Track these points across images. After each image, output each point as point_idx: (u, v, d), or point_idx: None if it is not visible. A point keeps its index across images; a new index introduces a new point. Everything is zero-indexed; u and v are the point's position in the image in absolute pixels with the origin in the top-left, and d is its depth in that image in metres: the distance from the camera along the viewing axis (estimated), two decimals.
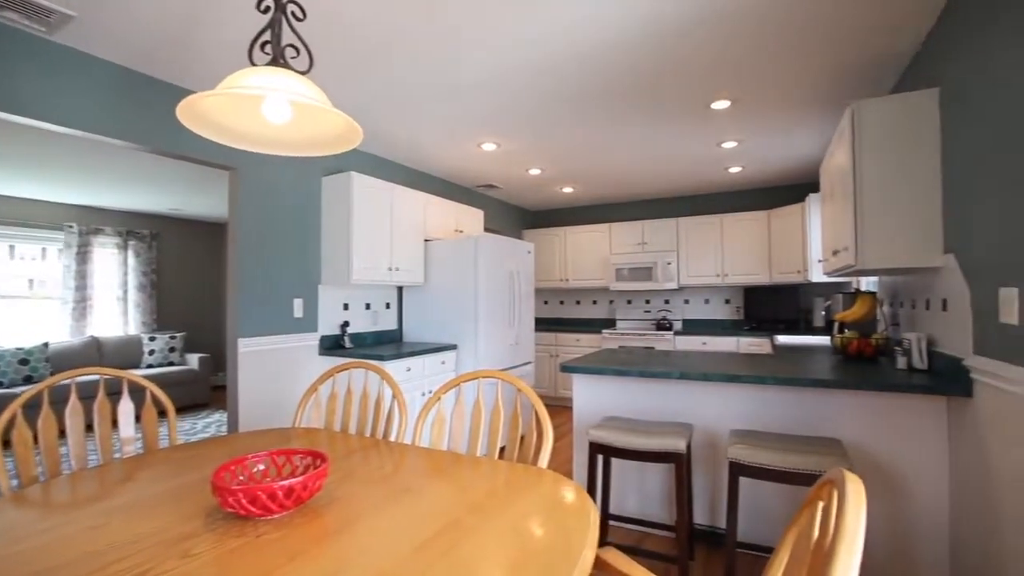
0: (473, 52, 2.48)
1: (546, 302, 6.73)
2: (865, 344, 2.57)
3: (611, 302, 6.29)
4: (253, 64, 1.25)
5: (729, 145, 3.97)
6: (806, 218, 4.54)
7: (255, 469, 1.36)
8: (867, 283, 4.04)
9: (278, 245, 3.39)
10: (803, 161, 4.47)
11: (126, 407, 1.84)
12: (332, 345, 3.73)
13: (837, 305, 3.03)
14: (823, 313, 3.89)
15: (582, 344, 5.73)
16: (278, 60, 1.26)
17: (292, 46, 1.36)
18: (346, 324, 3.77)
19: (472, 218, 4.83)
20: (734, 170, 4.75)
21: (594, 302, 6.40)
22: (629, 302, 6.16)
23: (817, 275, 4.39)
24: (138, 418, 5.24)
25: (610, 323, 6.27)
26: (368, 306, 4.08)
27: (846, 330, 2.90)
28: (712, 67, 2.65)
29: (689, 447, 2.39)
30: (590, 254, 6.03)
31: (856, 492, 0.71)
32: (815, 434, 2.33)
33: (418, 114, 3.29)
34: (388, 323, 4.29)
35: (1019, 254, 1.52)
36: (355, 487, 1.38)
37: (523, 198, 5.98)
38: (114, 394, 5.19)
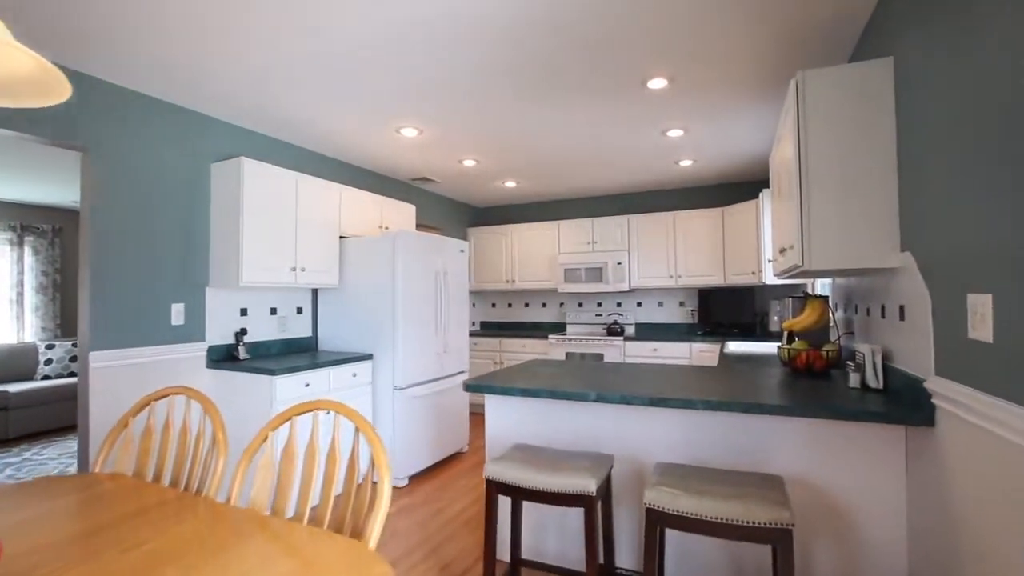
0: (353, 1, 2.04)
1: (493, 305, 6.31)
2: (815, 356, 2.23)
3: (561, 305, 5.92)
4: None
5: (675, 134, 3.62)
6: (760, 215, 4.24)
7: None
8: (822, 285, 3.76)
9: (151, 242, 2.88)
10: (756, 155, 4.16)
11: None
12: (223, 356, 3.23)
13: (786, 310, 2.71)
14: (777, 318, 3.58)
15: (527, 350, 5.33)
16: None
17: None
18: (242, 332, 3.27)
19: (401, 213, 4.38)
20: (685, 163, 4.43)
21: (543, 304, 6.02)
22: (580, 305, 5.79)
23: (771, 277, 4.09)
24: None
25: (560, 327, 5.89)
26: (274, 311, 3.59)
27: (795, 339, 2.57)
28: (643, 38, 2.28)
29: (609, 482, 2.00)
30: (538, 254, 5.64)
31: None
32: (755, 466, 1.97)
33: (316, 90, 2.83)
34: (300, 330, 3.80)
35: (993, 250, 1.17)
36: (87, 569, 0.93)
37: (465, 193, 5.55)
38: None
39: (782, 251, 2.36)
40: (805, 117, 1.94)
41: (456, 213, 5.93)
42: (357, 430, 1.32)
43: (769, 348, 3.71)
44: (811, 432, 1.89)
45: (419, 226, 5.21)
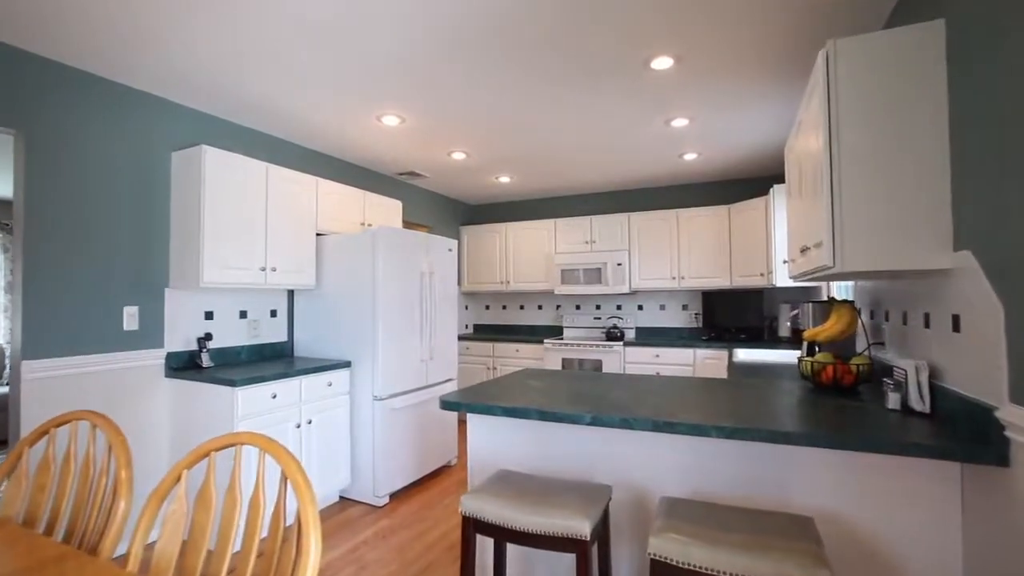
0: None
1: (487, 307, 6.02)
2: (844, 371, 1.94)
3: (558, 307, 5.63)
4: None
5: (680, 123, 3.34)
6: (770, 213, 3.95)
7: None
8: (838, 288, 3.47)
9: (99, 238, 2.59)
10: (767, 147, 3.88)
11: None
12: (184, 364, 2.94)
13: (806, 316, 2.43)
14: (788, 323, 3.30)
15: (522, 355, 5.04)
16: None
17: None
18: (207, 337, 2.98)
19: (385, 210, 4.09)
20: (689, 157, 4.14)
21: (539, 307, 5.73)
22: (578, 307, 5.51)
23: (783, 279, 3.80)
24: None
25: (556, 331, 5.60)
26: (244, 314, 3.30)
27: (817, 350, 2.29)
28: (648, 9, 1.99)
29: (606, 518, 1.72)
30: (533, 253, 5.35)
31: None
32: (778, 502, 1.68)
33: (284, 71, 2.54)
34: (274, 335, 3.51)
35: None
36: None
37: (456, 190, 5.26)
38: None
39: (803, 251, 2.08)
40: (837, 95, 1.65)
41: (447, 211, 5.64)
42: (284, 478, 1.03)
43: (783, 358, 3.42)
44: (845, 463, 1.61)
45: (407, 224, 4.93)
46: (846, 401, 1.84)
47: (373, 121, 3.28)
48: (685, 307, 5.06)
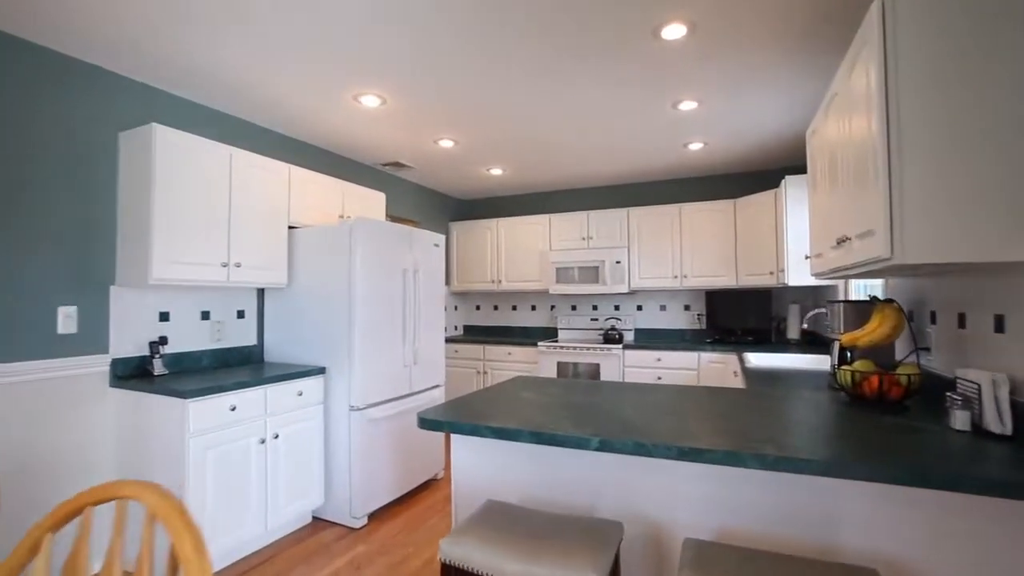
0: None
1: (477, 307, 5.71)
2: (891, 383, 1.66)
3: (552, 308, 5.33)
4: None
5: (688, 106, 3.05)
6: (782, 206, 3.68)
7: None
8: (857, 287, 3.20)
9: (31, 227, 2.26)
10: (778, 136, 3.60)
11: None
12: (133, 371, 2.61)
13: (835, 317, 2.14)
14: (804, 325, 3.02)
15: (514, 359, 4.74)
16: None
17: None
18: (161, 341, 2.65)
19: (367, 202, 3.77)
20: (695, 147, 3.86)
21: (532, 307, 5.43)
22: (574, 308, 5.21)
23: (796, 277, 3.53)
24: None
25: (551, 332, 5.31)
26: (206, 315, 2.97)
27: (848, 355, 2.01)
28: None
29: (617, 565, 1.42)
30: (527, 251, 5.05)
31: None
32: (827, 548, 1.39)
33: (243, 39, 2.22)
34: (242, 338, 3.18)
35: None
36: None
37: (445, 183, 4.95)
38: None
39: (841, 242, 1.79)
40: (896, 54, 1.36)
41: (435, 205, 5.32)
42: (172, 558, 0.72)
43: (798, 363, 3.15)
44: (909, 497, 1.32)
45: (391, 219, 4.61)
46: (896, 419, 1.56)
47: (351, 102, 2.96)
48: (687, 308, 4.78)
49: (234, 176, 2.78)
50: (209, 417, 2.33)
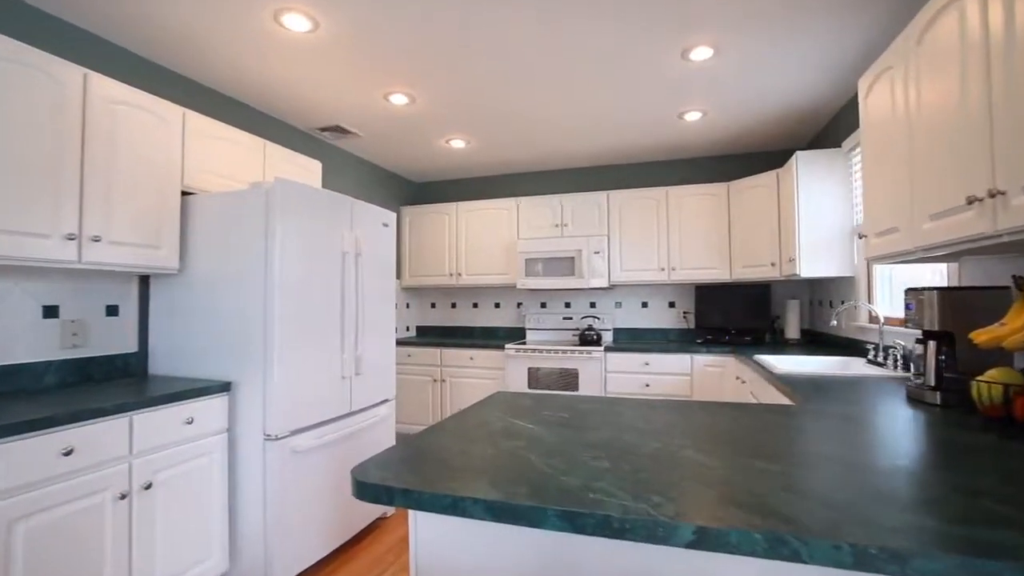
0: None
1: (433, 305, 4.97)
2: None
3: (519, 304, 4.68)
4: None
5: (702, 54, 2.47)
6: (790, 188, 3.19)
7: None
8: (882, 278, 2.74)
9: None
10: (798, 105, 3.10)
11: None
12: None
13: (930, 307, 1.60)
14: (834, 323, 2.52)
15: (477, 364, 4.05)
16: None
17: None
18: None
19: (297, 170, 2.97)
20: (692, 117, 3.32)
21: (497, 305, 4.75)
22: (543, 305, 4.58)
23: (810, 268, 3.05)
24: None
25: (518, 333, 4.65)
26: (51, 311, 2.11)
27: (943, 359, 1.47)
28: None
29: None
30: (491, 239, 4.37)
31: None
32: None
33: None
34: (114, 343, 2.32)
35: None
36: None
37: (397, 158, 4.19)
38: None
39: (972, 202, 1.23)
40: None
41: (384, 186, 4.55)
42: None
43: (833, 368, 2.63)
44: None
45: None
46: None
47: (270, 23, 2.19)
48: (672, 304, 4.26)
49: (90, 111, 1.94)
50: (25, 469, 1.50)
